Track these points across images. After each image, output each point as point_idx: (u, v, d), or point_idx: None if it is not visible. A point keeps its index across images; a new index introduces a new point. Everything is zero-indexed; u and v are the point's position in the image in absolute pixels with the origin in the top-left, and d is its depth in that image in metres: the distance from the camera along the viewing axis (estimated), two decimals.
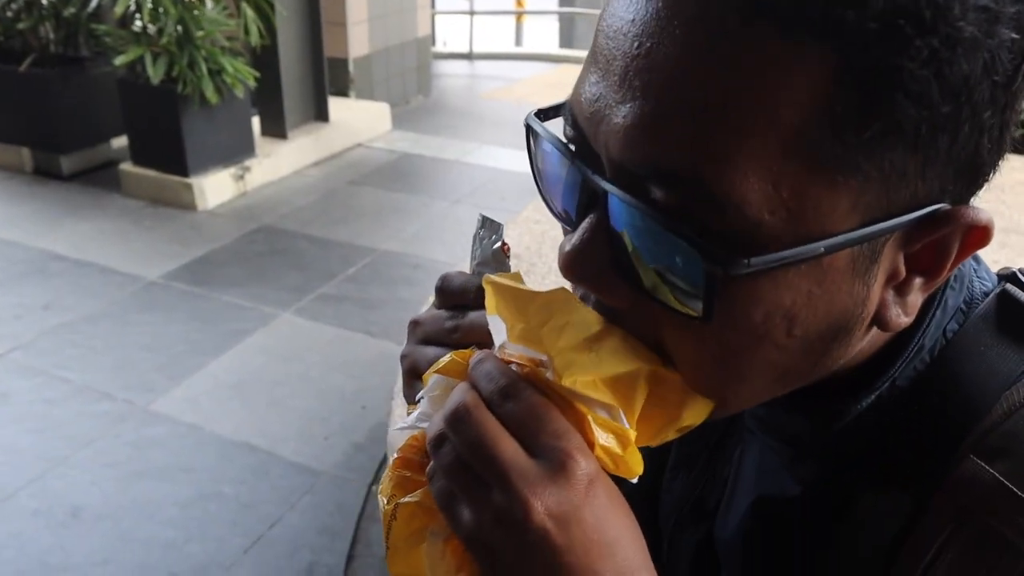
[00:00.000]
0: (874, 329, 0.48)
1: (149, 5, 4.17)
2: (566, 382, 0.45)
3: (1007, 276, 0.54)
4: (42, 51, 4.84)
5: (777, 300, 0.43)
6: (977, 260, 0.55)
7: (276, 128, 5.15)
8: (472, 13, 8.31)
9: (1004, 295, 0.53)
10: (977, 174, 0.43)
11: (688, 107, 0.39)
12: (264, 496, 2.47)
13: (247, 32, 4.45)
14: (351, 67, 6.08)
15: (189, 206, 4.50)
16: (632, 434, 0.46)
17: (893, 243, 0.43)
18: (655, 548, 0.76)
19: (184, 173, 4.49)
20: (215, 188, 4.57)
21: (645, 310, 0.45)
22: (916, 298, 0.46)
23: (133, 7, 4.31)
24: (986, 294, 0.53)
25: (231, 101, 4.52)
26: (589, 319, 0.47)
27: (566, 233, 0.49)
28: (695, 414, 0.48)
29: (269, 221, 4.39)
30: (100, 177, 4.93)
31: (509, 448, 0.44)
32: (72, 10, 4.36)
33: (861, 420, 0.53)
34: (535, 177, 0.53)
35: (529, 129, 0.51)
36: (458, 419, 0.45)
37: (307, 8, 5.24)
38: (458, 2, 8.95)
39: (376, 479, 2.54)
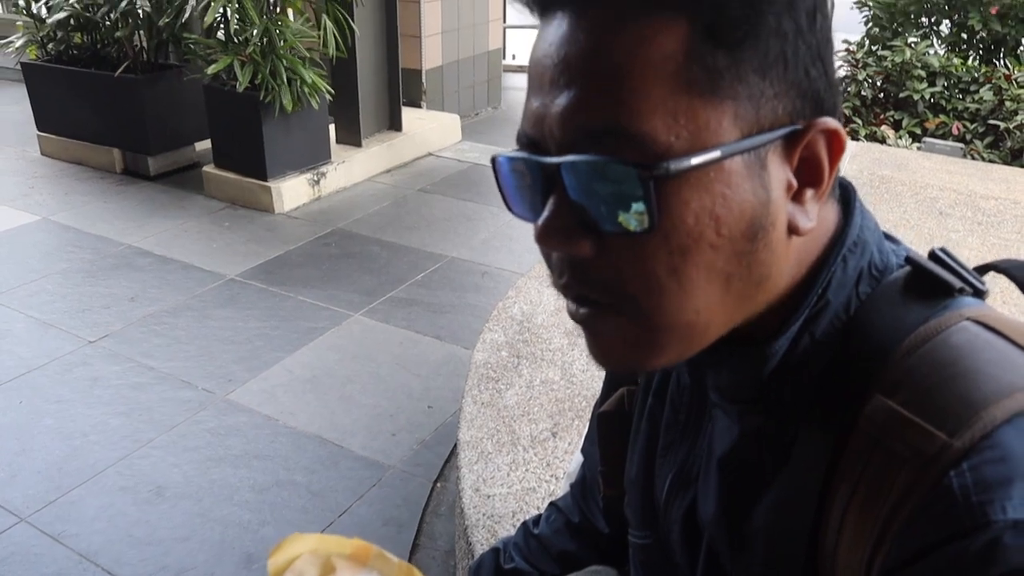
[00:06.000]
0: (790, 260, 0.61)
1: (236, 16, 4.36)
2: None
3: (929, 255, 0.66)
4: (135, 58, 5.09)
5: (700, 202, 0.54)
6: (894, 240, 0.68)
7: (351, 136, 5.32)
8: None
9: (912, 263, 0.64)
10: (817, 99, 0.57)
11: (598, 81, 0.54)
12: (334, 486, 2.57)
13: (326, 44, 4.62)
14: (424, 79, 6.23)
15: (267, 208, 4.68)
16: None
17: (775, 156, 0.56)
18: (653, 524, 0.86)
19: (263, 177, 4.67)
20: (292, 192, 4.75)
21: (606, 256, 0.56)
22: (813, 206, 0.59)
23: (220, 18, 4.52)
24: (900, 266, 0.65)
25: (309, 110, 4.69)
26: None
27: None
28: None
29: (342, 225, 4.54)
30: (184, 178, 5.15)
31: None
32: (166, 20, 4.58)
33: (789, 371, 0.64)
34: (505, 203, 0.64)
35: (494, 163, 0.62)
36: None
37: (385, 22, 5.40)
38: (529, 17, 9.06)
39: (441, 475, 2.63)
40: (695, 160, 0.53)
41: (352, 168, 5.15)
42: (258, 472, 2.63)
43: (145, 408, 2.94)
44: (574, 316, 0.62)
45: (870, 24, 6.39)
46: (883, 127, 5.69)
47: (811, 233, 0.60)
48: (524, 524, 1.23)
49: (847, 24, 7.23)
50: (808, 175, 0.58)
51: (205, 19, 4.29)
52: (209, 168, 4.90)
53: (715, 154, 0.53)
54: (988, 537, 0.49)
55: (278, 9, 4.58)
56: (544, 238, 0.57)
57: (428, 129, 5.81)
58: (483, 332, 2.43)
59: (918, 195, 3.83)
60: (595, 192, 0.54)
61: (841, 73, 6.14)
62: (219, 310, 3.62)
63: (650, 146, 0.52)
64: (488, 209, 4.80)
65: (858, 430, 0.58)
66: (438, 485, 2.58)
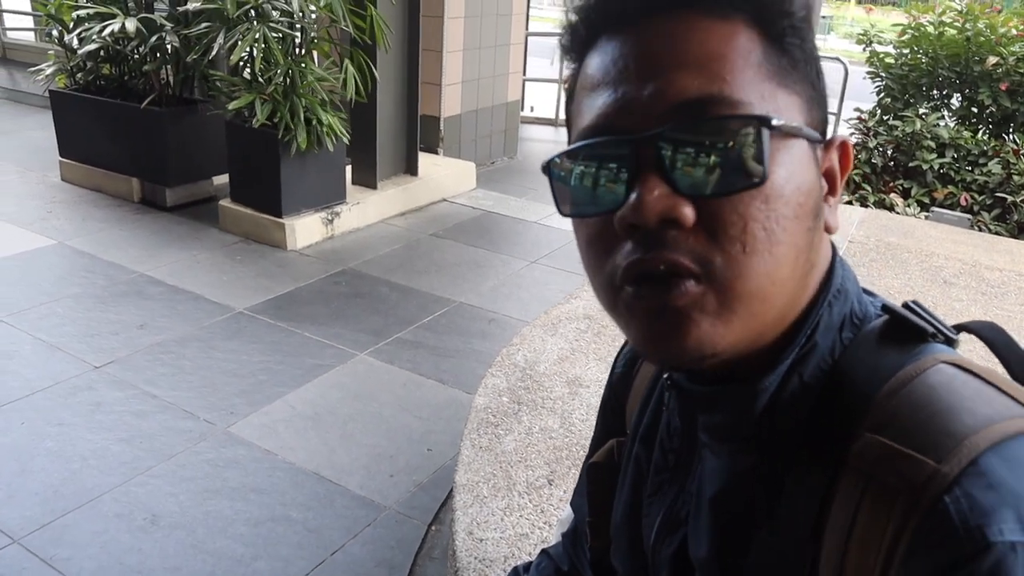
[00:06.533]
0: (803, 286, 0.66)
1: (261, 56, 4.47)
2: None
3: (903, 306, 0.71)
4: (161, 92, 5.20)
5: (792, 167, 0.61)
6: (871, 294, 0.73)
7: (367, 178, 5.39)
8: (561, 82, 8.58)
9: (888, 311, 0.70)
10: (825, 108, 0.66)
11: (698, 64, 0.60)
12: (329, 524, 2.57)
13: (346, 87, 4.71)
14: (442, 126, 6.34)
15: (280, 245, 4.73)
16: None
17: (815, 155, 0.64)
18: (640, 570, 0.88)
19: (278, 213, 4.73)
20: (305, 230, 4.81)
21: (702, 221, 0.59)
22: (835, 212, 0.67)
23: (247, 57, 4.63)
24: (878, 316, 0.70)
25: (326, 150, 4.77)
26: None
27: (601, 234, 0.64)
28: None
29: (354, 265, 4.59)
30: (200, 211, 5.23)
31: None
32: (194, 56, 4.69)
33: (779, 411, 0.67)
34: (561, 205, 0.67)
35: (550, 169, 0.66)
36: None
37: (407, 69, 5.51)
38: (548, 71, 9.24)
39: (436, 519, 2.62)
40: (792, 123, 0.61)
41: (366, 209, 5.22)
42: (254, 506, 2.63)
43: (146, 436, 2.95)
44: (639, 298, 0.62)
45: (882, 94, 6.49)
46: (892, 195, 5.75)
47: (818, 263, 0.67)
48: (515, 569, 1.24)
49: (859, 93, 7.33)
50: (828, 183, 0.67)
51: (231, 58, 4.40)
52: (225, 202, 4.97)
53: (799, 126, 0.62)
54: (993, 559, 0.52)
55: (303, 51, 4.68)
56: (643, 209, 0.59)
57: (443, 175, 5.89)
58: (486, 377, 2.44)
59: (924, 263, 3.86)
60: (700, 156, 0.59)
61: (852, 140, 6.22)
62: (225, 342, 3.64)
63: (750, 111, 0.59)
64: (499, 257, 4.84)
65: (849, 467, 0.61)
66: (433, 528, 2.58)
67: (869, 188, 5.83)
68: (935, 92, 6.53)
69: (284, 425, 3.07)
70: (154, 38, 4.90)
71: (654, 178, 0.59)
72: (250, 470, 2.80)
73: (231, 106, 4.49)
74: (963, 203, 5.65)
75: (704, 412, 0.73)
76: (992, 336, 0.71)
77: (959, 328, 0.72)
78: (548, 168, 0.66)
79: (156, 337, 3.65)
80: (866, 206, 5.51)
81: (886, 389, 0.63)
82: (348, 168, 5.26)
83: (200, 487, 2.70)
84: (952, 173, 5.84)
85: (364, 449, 2.95)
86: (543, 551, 1.25)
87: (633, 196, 0.59)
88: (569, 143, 0.66)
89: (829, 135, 0.67)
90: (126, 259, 4.47)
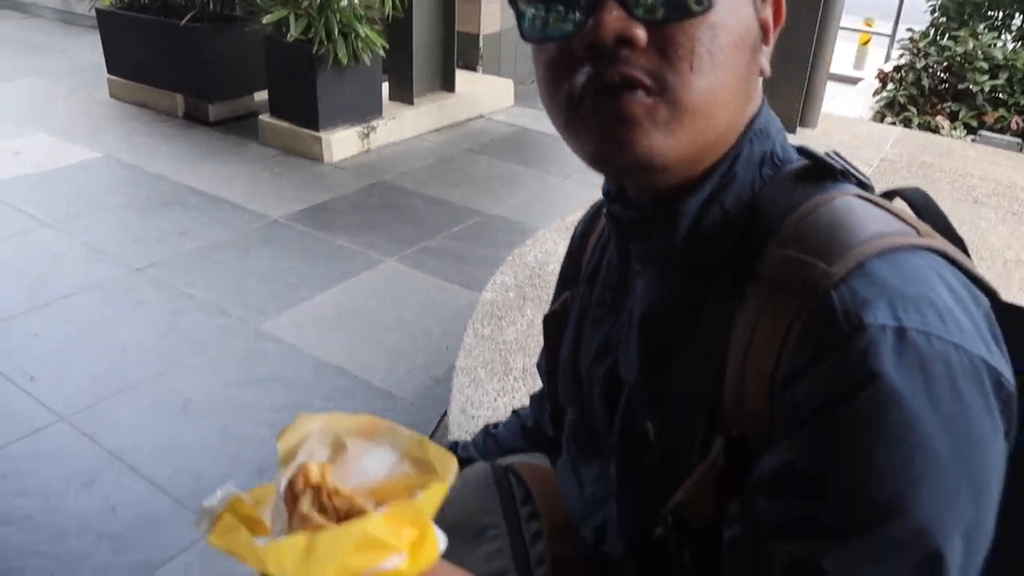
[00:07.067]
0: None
1: None
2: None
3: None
4: (202, 8, 5.28)
5: (735, 2, 0.69)
6: (785, 139, 0.79)
7: (404, 94, 5.44)
8: None
9: (803, 151, 0.78)
10: None
11: None
12: (349, 411, 2.71)
13: (383, 2, 4.74)
14: (481, 43, 6.32)
15: (317, 158, 4.84)
16: (405, 543, 0.56)
17: (754, 5, 0.72)
18: (580, 400, 0.97)
19: (315, 127, 4.83)
20: (342, 143, 4.90)
21: (654, 43, 0.67)
22: (767, 58, 0.75)
23: None
24: (798, 161, 0.78)
25: (363, 65, 4.82)
26: None
27: (560, 59, 0.71)
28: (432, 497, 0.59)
29: (387, 178, 4.68)
30: (241, 126, 5.35)
31: None
32: None
33: (702, 237, 0.74)
34: (528, 35, 0.73)
35: (515, 1, 0.72)
36: None
37: None
38: None
39: (449, 409, 2.75)
40: None
41: (402, 125, 5.28)
42: (279, 395, 2.78)
43: (182, 331, 3.12)
44: (596, 109, 0.69)
45: (936, 13, 6.27)
46: (938, 117, 5.61)
47: (752, 100, 0.75)
48: (485, 426, 1.34)
49: (913, 15, 7.08)
50: (763, 32, 0.74)
51: None
52: (265, 117, 5.08)
53: None
54: (866, 338, 0.60)
55: None
56: (601, 28, 0.66)
57: (481, 92, 5.90)
58: (495, 275, 2.53)
59: (956, 183, 3.81)
60: None
61: (901, 62, 6.06)
62: (260, 248, 3.79)
63: None
64: (532, 172, 4.88)
65: (756, 280, 0.69)
66: (446, 417, 2.71)
67: (915, 110, 5.69)
68: (995, 12, 6.29)
69: (311, 324, 3.21)
70: None
71: (612, 3, 0.66)
72: (277, 363, 2.95)
73: (265, 20, 4.55)
74: (1014, 127, 5.50)
75: (636, 240, 0.80)
76: (915, 197, 0.77)
77: (889, 193, 0.79)
78: (514, 0, 0.73)
79: (195, 243, 3.81)
80: (909, 128, 5.39)
81: (795, 215, 0.70)
82: (385, 85, 5.31)
83: (230, 378, 2.87)
84: (1004, 96, 5.67)
85: (385, 347, 3.08)
86: (514, 411, 1.35)
87: (597, 16, 0.66)
88: None
89: None
90: (169, 171, 4.62)
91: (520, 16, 0.73)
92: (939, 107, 5.74)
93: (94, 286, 3.42)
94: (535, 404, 1.26)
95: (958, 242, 0.74)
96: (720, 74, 0.68)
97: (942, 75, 5.86)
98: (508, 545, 1.00)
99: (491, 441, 1.30)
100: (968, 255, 0.73)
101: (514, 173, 4.87)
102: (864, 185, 0.75)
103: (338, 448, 0.63)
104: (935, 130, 5.44)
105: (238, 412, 2.70)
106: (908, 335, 0.60)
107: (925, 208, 0.76)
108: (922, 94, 5.80)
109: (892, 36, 7.23)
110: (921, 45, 6.05)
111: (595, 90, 0.68)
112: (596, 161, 0.73)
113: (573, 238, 1.06)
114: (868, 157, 4.14)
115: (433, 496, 0.57)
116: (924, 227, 0.70)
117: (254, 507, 0.62)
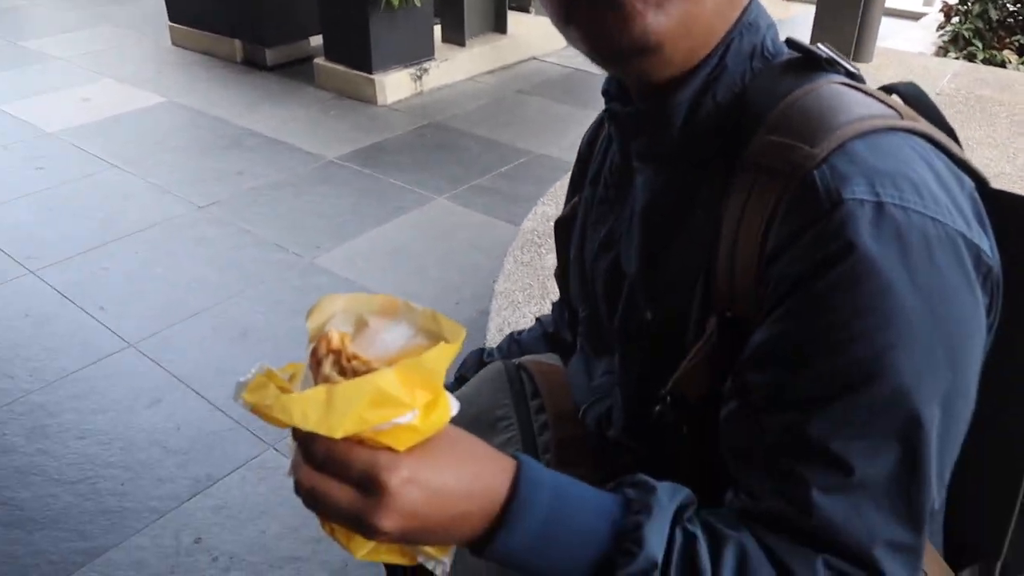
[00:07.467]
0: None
1: None
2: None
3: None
4: None
5: None
6: (775, 33, 0.80)
7: (456, 36, 5.46)
8: None
9: (791, 43, 0.78)
10: None
11: None
12: None
13: None
14: None
15: (370, 100, 4.92)
16: (418, 402, 0.59)
17: None
18: (588, 296, 1.02)
19: (369, 70, 4.90)
20: (395, 86, 4.97)
21: None
22: None
23: None
24: (786, 53, 0.78)
25: (415, 7, 4.85)
26: None
27: None
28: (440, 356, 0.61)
29: (439, 119, 4.74)
30: (297, 70, 5.45)
31: (339, 494, 0.60)
32: None
33: (696, 128, 0.77)
34: None
35: None
36: (300, 486, 0.62)
37: None
38: None
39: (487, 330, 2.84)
40: None
41: (454, 67, 5.32)
42: None
43: (240, 265, 3.26)
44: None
45: None
46: (1006, 51, 5.41)
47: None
48: (510, 333, 1.42)
49: None
50: None
51: None
52: (320, 60, 5.16)
53: None
54: (842, 211, 0.63)
55: None
56: None
57: (533, 34, 5.88)
58: (537, 205, 2.59)
59: (1014, 116, 3.71)
60: None
61: None
62: (315, 187, 3.90)
63: None
64: (583, 112, 4.88)
65: (745, 163, 0.72)
66: (486, 347, 2.79)
67: (980, 44, 5.49)
68: None
69: (363, 258, 3.32)
70: None
71: None
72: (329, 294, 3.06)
73: None
74: None
75: (634, 136, 0.84)
76: (907, 91, 0.80)
77: (884, 89, 0.81)
78: None
79: (253, 182, 3.95)
80: (973, 62, 5.22)
81: (783, 104, 0.73)
82: (437, 27, 5.33)
83: (286, 308, 3.00)
84: None
85: (434, 280, 3.17)
86: (537, 318, 1.42)
87: None
88: None
89: None
90: (229, 114, 4.76)
91: None
92: (1007, 40, 5.53)
93: (159, 223, 3.58)
94: (555, 310, 1.32)
95: (948, 131, 0.76)
96: None
97: (1011, 6, 5.64)
98: (519, 435, 1.08)
99: (515, 346, 1.38)
100: (959, 144, 0.75)
101: (565, 113, 4.89)
102: (852, 75, 0.78)
103: (360, 325, 0.67)
104: (1001, 64, 5.25)
105: (292, 339, 2.82)
106: (885, 208, 0.63)
107: (916, 100, 0.78)
108: (989, 27, 5.59)
109: None
110: None
111: None
112: (595, 50, 0.76)
113: (580, 146, 1.11)
114: (925, 88, 4.03)
115: (440, 354, 0.60)
116: (909, 112, 0.72)
117: (286, 381, 0.66)
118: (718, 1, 0.74)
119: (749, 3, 0.79)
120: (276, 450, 2.36)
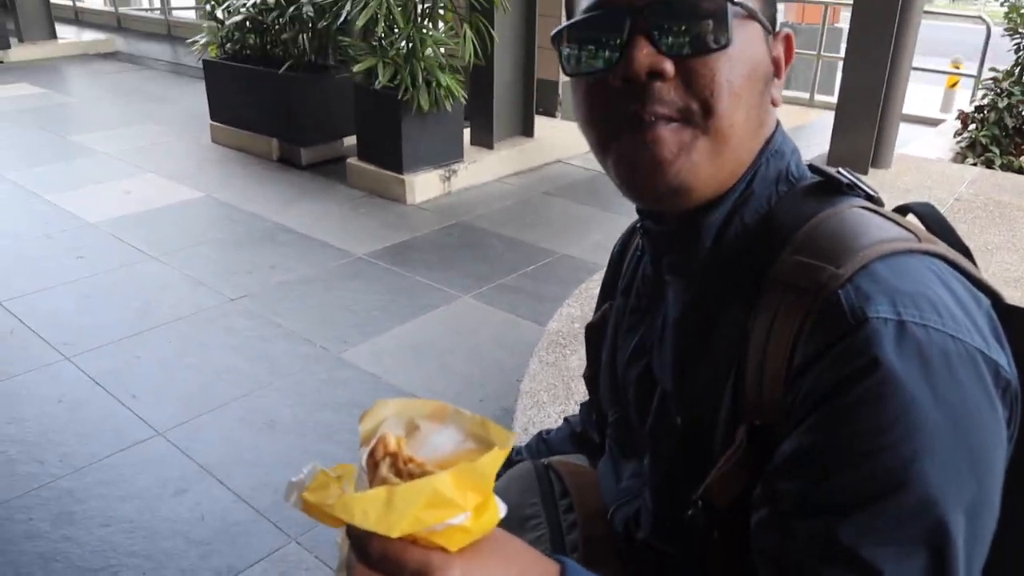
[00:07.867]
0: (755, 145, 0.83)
1: (383, 22, 4.78)
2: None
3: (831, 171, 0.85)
4: (299, 58, 5.63)
5: (748, 38, 0.78)
6: (799, 159, 0.86)
7: (484, 139, 5.66)
8: None
9: (813, 168, 0.84)
10: (775, 7, 0.83)
11: None
12: None
13: (465, 51, 4.98)
14: (560, 90, 6.51)
15: (400, 199, 5.08)
16: (470, 504, 0.61)
17: (766, 44, 0.81)
18: (619, 400, 1.06)
19: (399, 170, 5.07)
20: (424, 186, 5.13)
21: (680, 76, 0.76)
22: (779, 91, 0.84)
23: (372, 22, 4.96)
24: (811, 179, 0.84)
25: (446, 111, 5.05)
26: None
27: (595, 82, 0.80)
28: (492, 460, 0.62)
29: (467, 219, 4.87)
30: (331, 169, 5.65)
31: None
32: (325, 23, 5.07)
33: (725, 248, 0.83)
34: (569, 70, 0.83)
35: (559, 33, 0.83)
36: None
37: (524, 33, 5.72)
38: None
39: (512, 430, 2.86)
40: (751, 4, 0.78)
41: (482, 168, 5.49)
42: (357, 418, 2.93)
43: (269, 357, 3.33)
44: (633, 134, 0.78)
45: (1020, 52, 6.18)
46: (1022, 158, 5.51)
47: (765, 124, 0.83)
48: (539, 432, 1.45)
49: (999, 55, 6.98)
50: (775, 68, 0.83)
51: (357, 23, 4.74)
52: (353, 160, 5.35)
53: (756, 9, 0.79)
54: (867, 329, 0.68)
55: (424, 18, 4.97)
56: (634, 63, 0.75)
57: (559, 137, 6.07)
58: (562, 307, 2.65)
59: None
60: (681, 24, 0.75)
61: (983, 102, 5.99)
62: (345, 282, 4.00)
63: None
64: (605, 215, 5.00)
65: (772, 281, 0.77)
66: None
67: (997, 151, 5.61)
68: None
69: (389, 354, 3.38)
70: (292, 8, 5.31)
71: (643, 41, 0.75)
72: (356, 389, 3.12)
73: (356, 68, 4.84)
74: None
75: (667, 252, 0.89)
76: (923, 211, 0.86)
77: (901, 208, 0.88)
78: (556, 37, 0.83)
79: (284, 276, 4.05)
80: (992, 168, 5.31)
81: (807, 226, 0.79)
82: (467, 130, 5.53)
83: (312, 401, 3.05)
84: None
85: (459, 377, 3.22)
86: (565, 418, 1.46)
87: (625, 59, 0.75)
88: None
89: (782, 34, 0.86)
90: (263, 210, 4.92)
91: (562, 54, 0.84)
92: (1023, 146, 5.64)
93: (192, 314, 3.67)
94: (584, 411, 1.36)
95: (964, 250, 0.81)
96: (737, 101, 0.77)
97: None
98: (548, 533, 1.10)
99: (543, 445, 1.41)
100: (974, 263, 0.80)
101: (588, 215, 5.00)
102: (872, 198, 0.84)
103: (411, 429, 0.68)
104: (1019, 171, 5.35)
105: (318, 432, 2.86)
106: (907, 327, 0.67)
107: (932, 219, 0.83)
108: (1005, 133, 5.71)
109: (977, 77, 7.12)
110: (1004, 84, 5.97)
111: (631, 126, 0.78)
112: (631, 189, 0.83)
113: (612, 254, 1.17)
114: (943, 197, 4.12)
115: (493, 459, 0.62)
116: (926, 234, 0.78)
117: (337, 480, 0.68)
118: (742, 136, 0.80)
119: (774, 133, 0.86)
120: (298, 543, 2.37)
